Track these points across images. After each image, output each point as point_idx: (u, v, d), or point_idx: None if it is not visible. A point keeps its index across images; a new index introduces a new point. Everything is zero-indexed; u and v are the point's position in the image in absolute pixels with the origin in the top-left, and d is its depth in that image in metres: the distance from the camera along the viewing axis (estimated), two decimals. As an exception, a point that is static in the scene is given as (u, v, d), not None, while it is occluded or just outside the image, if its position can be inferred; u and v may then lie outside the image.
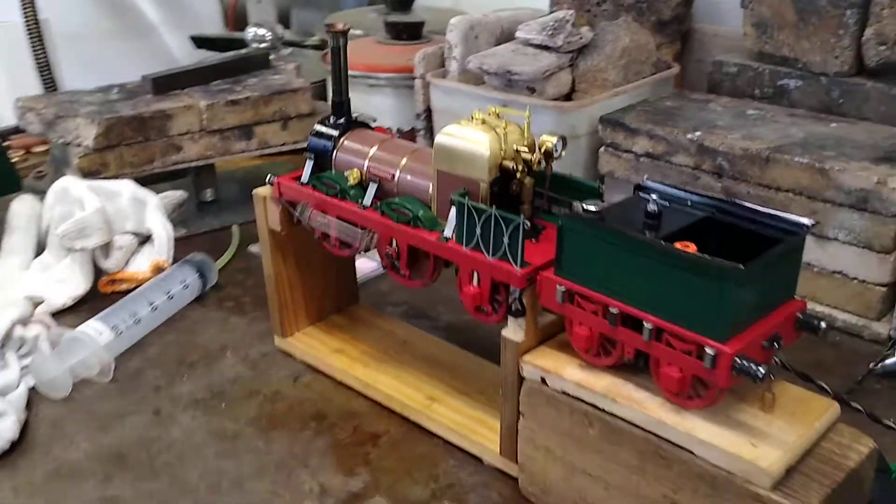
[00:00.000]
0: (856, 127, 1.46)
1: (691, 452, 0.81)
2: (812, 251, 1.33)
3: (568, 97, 1.68)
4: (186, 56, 2.48)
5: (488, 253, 0.93)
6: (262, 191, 1.19)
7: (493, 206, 0.92)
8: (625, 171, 1.53)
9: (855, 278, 1.30)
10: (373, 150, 1.08)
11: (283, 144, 1.75)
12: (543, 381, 0.92)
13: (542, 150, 0.94)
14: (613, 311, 0.85)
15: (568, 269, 0.88)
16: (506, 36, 1.80)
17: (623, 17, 1.73)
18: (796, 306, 0.84)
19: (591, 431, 0.89)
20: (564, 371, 0.91)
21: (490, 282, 0.95)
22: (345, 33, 1.09)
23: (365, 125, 1.15)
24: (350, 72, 1.13)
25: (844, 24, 1.52)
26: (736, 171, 1.38)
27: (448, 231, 0.98)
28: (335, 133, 1.12)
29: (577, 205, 0.95)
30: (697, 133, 1.43)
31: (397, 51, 1.93)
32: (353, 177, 1.08)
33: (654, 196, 0.88)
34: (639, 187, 0.94)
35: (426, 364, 1.19)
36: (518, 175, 0.95)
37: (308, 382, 1.21)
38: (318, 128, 1.14)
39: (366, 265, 1.46)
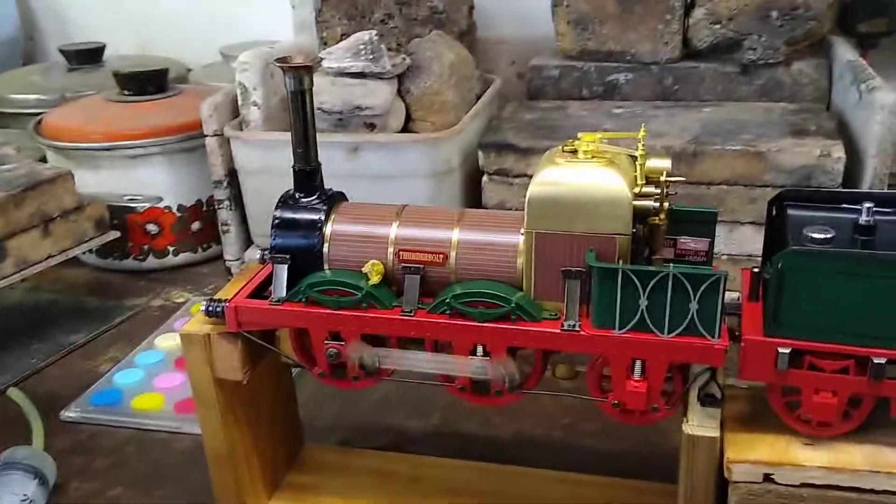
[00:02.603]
0: (726, 109, 1.41)
1: None
2: (753, 240, 1.24)
3: (405, 128, 1.42)
4: None
5: (662, 330, 0.67)
6: (193, 327, 0.77)
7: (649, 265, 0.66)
8: (519, 198, 1.31)
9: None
10: (395, 229, 0.74)
11: (48, 258, 1.24)
12: (769, 478, 0.69)
13: (667, 180, 0.70)
14: (879, 361, 0.64)
15: (792, 324, 0.66)
16: (297, 70, 1.47)
17: (435, 32, 1.51)
18: None
19: (856, 523, 0.68)
20: (798, 456, 0.68)
21: (665, 369, 0.69)
22: (308, 69, 0.73)
23: (342, 196, 0.80)
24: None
25: (671, 8, 1.48)
26: (659, 173, 1.24)
27: (572, 316, 0.69)
28: (318, 216, 0.76)
29: (685, 240, 0.74)
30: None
31: (147, 109, 1.50)
32: (375, 271, 0.73)
33: (866, 205, 0.68)
34: (778, 200, 0.75)
35: (470, 498, 0.87)
36: (655, 218, 0.70)
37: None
38: (282, 214, 0.76)
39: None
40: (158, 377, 1.16)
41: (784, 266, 0.64)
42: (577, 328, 0.69)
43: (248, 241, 1.46)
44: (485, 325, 0.70)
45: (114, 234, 1.33)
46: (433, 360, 0.73)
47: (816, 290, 0.64)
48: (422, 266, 0.72)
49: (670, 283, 0.66)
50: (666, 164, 0.71)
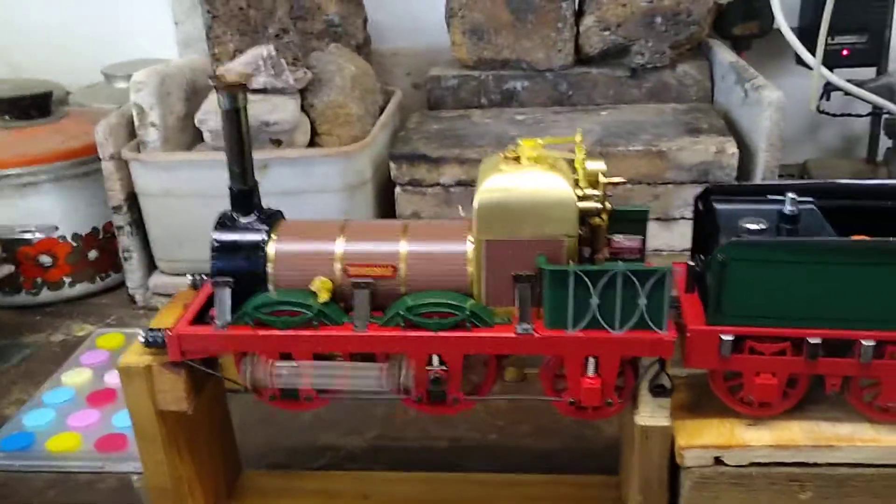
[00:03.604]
0: (621, 112, 1.47)
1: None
2: (659, 236, 1.30)
3: (311, 143, 1.40)
4: None
5: (613, 327, 0.69)
6: (132, 359, 0.74)
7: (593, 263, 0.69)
8: (433, 207, 1.33)
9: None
10: (340, 245, 0.73)
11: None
12: (719, 461, 0.72)
13: (608, 181, 0.72)
14: (814, 341, 0.69)
15: (734, 312, 0.69)
16: (192, 87, 1.44)
17: (334, 45, 1.50)
18: None
19: (802, 496, 0.72)
20: (744, 438, 0.72)
21: (619, 364, 0.71)
22: (243, 87, 0.71)
23: (280, 214, 0.79)
24: None
25: (562, 16, 1.53)
26: (568, 176, 1.28)
27: (525, 319, 0.70)
28: (260, 236, 0.74)
29: (619, 238, 0.76)
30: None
31: (32, 134, 1.42)
32: (324, 289, 0.72)
33: (790, 196, 0.73)
34: (704, 195, 0.78)
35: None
36: (596, 219, 0.72)
37: None
38: (221, 236, 0.74)
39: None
40: (72, 416, 1.10)
41: (725, 257, 0.68)
42: (531, 331, 0.70)
43: (151, 268, 1.41)
44: (440, 334, 0.71)
45: (7, 269, 1.25)
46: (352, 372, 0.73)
47: (755, 279, 0.68)
48: (372, 280, 0.72)
49: (619, 280, 0.68)
50: (601, 165, 0.74)
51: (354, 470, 0.97)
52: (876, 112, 1.60)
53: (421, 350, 0.71)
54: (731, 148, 1.25)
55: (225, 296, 0.73)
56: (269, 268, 0.73)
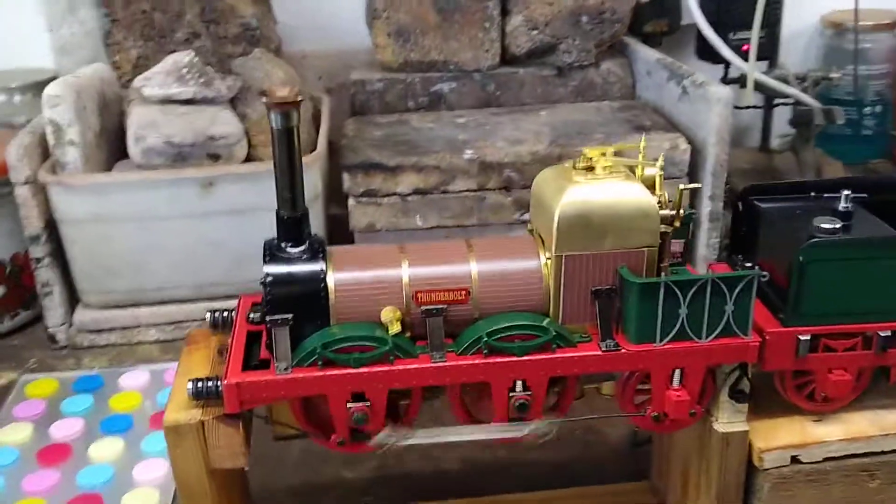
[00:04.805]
0: (560, 111, 1.47)
1: None
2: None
3: (248, 156, 1.31)
4: None
5: (700, 336, 0.68)
6: (179, 415, 0.65)
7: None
8: (390, 219, 1.27)
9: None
10: (407, 269, 0.68)
11: None
12: (795, 459, 0.73)
13: (685, 187, 0.71)
14: (885, 334, 0.70)
15: (810, 312, 0.70)
16: (103, 100, 1.30)
17: (258, 50, 1.41)
18: None
19: (871, 485, 0.74)
20: (817, 434, 0.73)
21: (704, 373, 0.69)
22: (297, 104, 0.64)
23: (322, 241, 0.72)
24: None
25: (489, 16, 1.51)
26: (527, 178, 1.26)
27: (607, 335, 0.68)
28: (319, 266, 0.67)
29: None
30: (469, 152, 1.26)
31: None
32: (395, 319, 0.66)
33: (845, 193, 0.73)
34: (744, 195, 0.79)
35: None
36: (668, 227, 0.71)
37: None
38: (275, 269, 0.66)
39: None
40: (26, 479, 0.96)
41: (805, 258, 0.68)
42: (617, 347, 0.68)
43: (73, 302, 1.27)
44: (525, 358, 0.67)
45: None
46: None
47: (831, 278, 0.69)
48: (445, 307, 0.67)
49: (709, 288, 0.67)
50: (658, 171, 0.72)
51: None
52: (776, 104, 1.69)
53: (505, 377, 0.67)
54: (683, 144, 1.27)
55: (283, 336, 0.65)
56: (332, 301, 0.66)
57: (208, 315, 0.75)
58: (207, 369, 0.70)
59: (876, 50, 1.80)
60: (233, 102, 1.29)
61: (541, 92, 1.55)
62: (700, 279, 0.66)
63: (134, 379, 1.15)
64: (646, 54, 1.51)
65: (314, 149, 1.25)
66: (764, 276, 0.67)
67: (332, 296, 0.66)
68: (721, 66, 1.63)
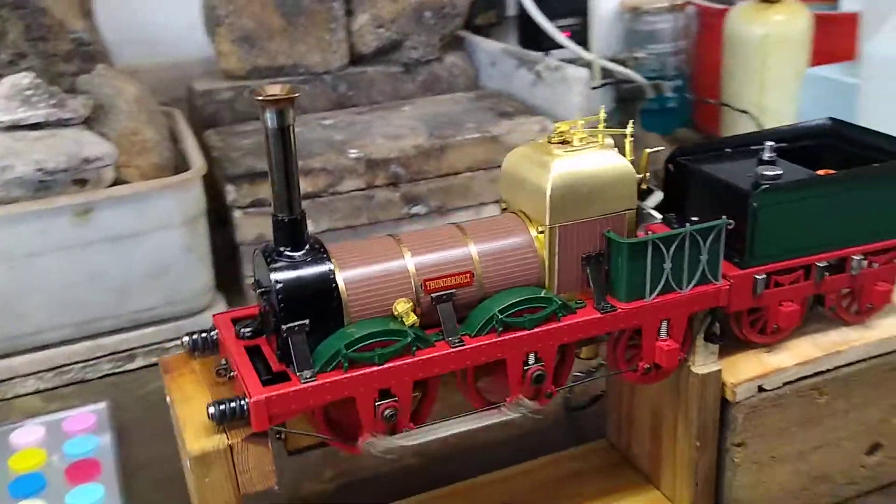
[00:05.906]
0: (421, 106, 1.49)
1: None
2: (497, 218, 1.35)
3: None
4: None
5: (682, 286, 0.73)
6: (204, 444, 0.60)
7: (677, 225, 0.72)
8: (279, 227, 1.23)
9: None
10: (410, 260, 0.67)
11: None
12: (761, 389, 0.80)
13: (652, 151, 0.76)
14: (822, 264, 0.79)
15: (763, 253, 0.77)
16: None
17: (102, 66, 1.31)
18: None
19: (820, 400, 0.83)
20: (774, 363, 0.81)
21: (687, 321, 0.75)
22: (291, 101, 0.61)
23: (319, 240, 0.69)
24: None
25: (334, 17, 1.50)
26: (413, 172, 1.28)
27: (601, 298, 0.71)
28: (327, 266, 0.64)
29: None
30: (354, 151, 1.25)
31: None
32: (410, 310, 0.65)
33: (768, 144, 0.81)
34: (675, 156, 0.85)
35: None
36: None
37: None
38: (282, 276, 0.63)
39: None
40: None
41: (758, 204, 0.75)
42: (613, 308, 0.71)
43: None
44: (535, 330, 0.68)
45: None
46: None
47: (779, 220, 0.76)
48: (453, 291, 0.67)
49: (688, 241, 0.72)
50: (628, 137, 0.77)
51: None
52: (603, 84, 1.82)
53: (520, 351, 0.68)
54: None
55: (300, 343, 0.62)
56: (344, 300, 0.64)
57: (186, 338, 0.70)
58: (209, 393, 0.65)
59: (670, 29, 1.99)
60: (87, 123, 1.20)
61: (390, 89, 1.56)
62: (681, 233, 0.71)
63: (27, 435, 1.03)
64: (487, 45, 1.57)
65: (182, 166, 1.19)
66: (730, 225, 0.73)
67: (343, 295, 0.64)
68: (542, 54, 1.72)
